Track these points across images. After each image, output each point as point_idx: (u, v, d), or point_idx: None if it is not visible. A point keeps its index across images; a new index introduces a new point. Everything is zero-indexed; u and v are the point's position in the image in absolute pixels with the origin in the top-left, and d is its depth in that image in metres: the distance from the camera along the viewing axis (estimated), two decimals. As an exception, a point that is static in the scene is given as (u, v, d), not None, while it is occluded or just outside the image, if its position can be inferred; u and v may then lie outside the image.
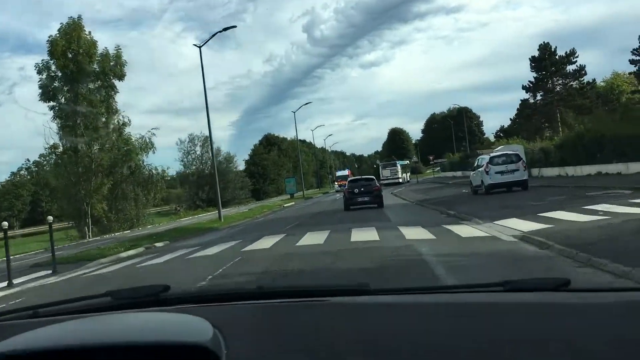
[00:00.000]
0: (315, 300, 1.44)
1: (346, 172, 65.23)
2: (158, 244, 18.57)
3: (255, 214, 32.89)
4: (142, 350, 1.04)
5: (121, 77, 32.17)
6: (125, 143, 32.53)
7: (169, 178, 44.93)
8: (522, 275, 1.33)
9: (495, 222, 11.85)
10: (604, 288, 1.69)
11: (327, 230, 13.14)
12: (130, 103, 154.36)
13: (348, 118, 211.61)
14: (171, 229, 26.11)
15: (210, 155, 39.54)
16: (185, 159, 64.68)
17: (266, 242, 11.96)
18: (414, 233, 11.08)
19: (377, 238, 10.67)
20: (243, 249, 11.21)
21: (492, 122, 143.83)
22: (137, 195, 35.49)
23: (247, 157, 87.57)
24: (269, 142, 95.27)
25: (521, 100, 61.68)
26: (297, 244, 10.90)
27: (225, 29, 29.75)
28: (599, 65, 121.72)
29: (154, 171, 36.47)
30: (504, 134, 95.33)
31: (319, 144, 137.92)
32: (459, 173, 56.28)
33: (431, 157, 70.67)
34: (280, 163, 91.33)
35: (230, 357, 1.03)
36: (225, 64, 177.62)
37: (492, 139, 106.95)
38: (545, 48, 54.25)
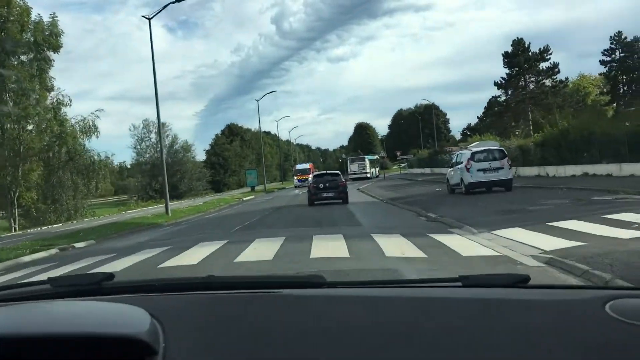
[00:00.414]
0: (265, 292, 1.40)
1: (307, 165, 61.12)
2: (79, 244, 15.31)
3: (209, 208, 29.70)
4: (73, 341, 1.00)
5: (56, 48, 28.24)
6: (60, 125, 28.64)
7: (113, 165, 40.90)
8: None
9: (495, 233, 9.27)
10: (561, 285, 1.85)
11: (281, 238, 10.24)
12: (91, 89, 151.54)
13: (314, 112, 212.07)
14: (107, 224, 22.70)
15: (164, 143, 35.99)
16: (139, 146, 60.39)
17: (197, 254, 8.97)
18: (394, 246, 8.34)
19: (347, 254, 7.86)
20: (161, 265, 8.19)
21: (456, 121, 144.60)
22: (76, 184, 31.63)
23: (208, 147, 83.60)
24: (232, 132, 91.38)
25: (492, 97, 60.23)
26: (236, 260, 7.97)
27: (177, 0, 27.06)
28: (562, 68, 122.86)
29: (96, 157, 32.55)
30: (471, 131, 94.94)
31: (284, 136, 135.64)
32: (427, 170, 54.29)
33: (398, 153, 68.65)
34: (243, 154, 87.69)
35: (170, 350, 1.01)
36: (192, 52, 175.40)
37: (457, 136, 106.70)
38: (518, 44, 52.66)
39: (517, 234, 8.82)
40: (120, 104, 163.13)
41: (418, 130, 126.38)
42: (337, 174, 24.85)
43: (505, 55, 53.64)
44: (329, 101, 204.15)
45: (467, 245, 8.23)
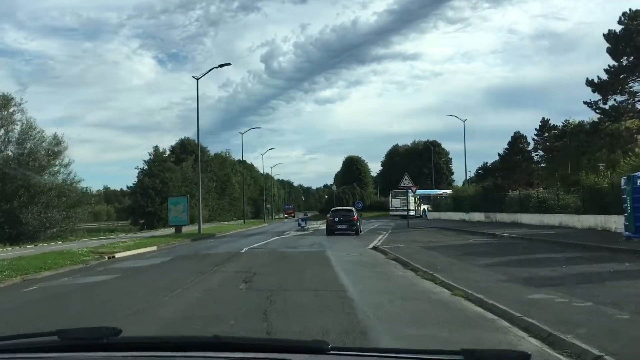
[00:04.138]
0: (271, 357, 1.44)
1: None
2: None
3: None
4: None
5: None
6: None
7: None
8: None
9: None
10: None
11: None
12: (76, 115, 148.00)
13: (299, 151, 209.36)
14: None
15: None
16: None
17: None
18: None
19: None
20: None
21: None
22: None
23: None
24: (185, 150, 69.42)
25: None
26: None
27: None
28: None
29: None
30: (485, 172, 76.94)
31: (267, 171, 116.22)
32: (475, 215, 32.81)
33: (413, 187, 47.15)
34: (196, 180, 65.22)
35: None
36: (180, 85, 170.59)
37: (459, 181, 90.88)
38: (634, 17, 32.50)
39: None
40: (104, 131, 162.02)
41: (416, 168, 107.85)
42: (351, 210, 29.16)
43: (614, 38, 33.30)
44: (314, 142, 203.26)
45: None
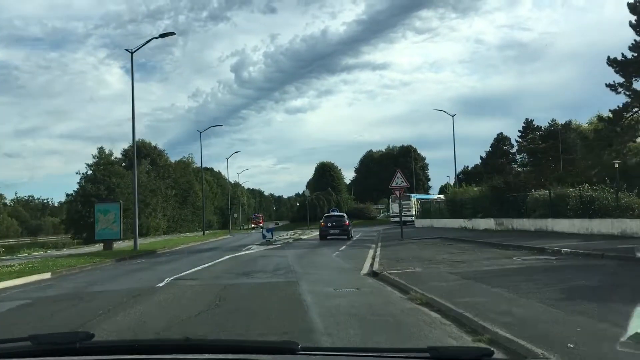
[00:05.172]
0: (240, 358, 1.44)
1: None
2: None
3: None
4: None
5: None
6: None
7: None
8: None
9: None
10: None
11: None
12: (43, 126, 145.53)
13: (270, 161, 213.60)
14: None
15: None
16: None
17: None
18: None
19: None
20: None
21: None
22: None
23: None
24: (138, 153, 61.64)
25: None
26: None
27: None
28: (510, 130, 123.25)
29: None
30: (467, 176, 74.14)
31: (234, 178, 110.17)
32: (481, 222, 26.69)
33: (397, 191, 40.88)
34: (151, 186, 57.75)
35: None
36: (149, 95, 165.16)
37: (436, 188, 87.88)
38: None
39: None
40: (71, 142, 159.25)
41: (391, 174, 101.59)
42: (343, 216, 30.10)
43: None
44: (285, 151, 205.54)
45: None
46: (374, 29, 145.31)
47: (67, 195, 46.19)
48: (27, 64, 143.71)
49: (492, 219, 25.37)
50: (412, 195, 50.34)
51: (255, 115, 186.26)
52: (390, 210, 49.83)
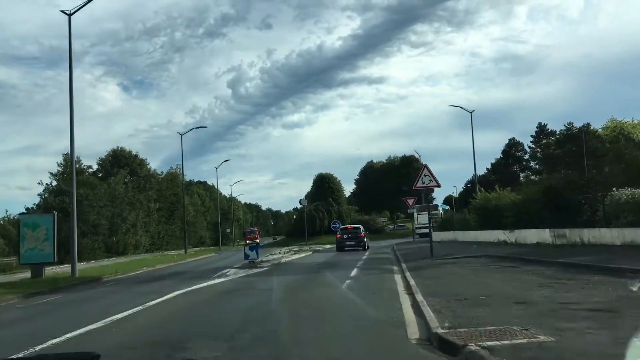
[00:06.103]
0: None
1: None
2: None
3: None
4: None
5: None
6: None
7: None
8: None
9: None
10: None
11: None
12: (41, 144, 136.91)
13: (267, 176, 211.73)
14: None
15: None
16: None
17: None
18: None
19: None
20: None
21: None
22: None
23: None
24: (117, 162, 55.35)
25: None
26: None
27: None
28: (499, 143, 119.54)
29: None
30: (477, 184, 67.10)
31: (228, 193, 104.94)
32: (529, 234, 20.50)
33: (410, 201, 34.87)
34: (129, 199, 51.32)
35: None
36: (146, 112, 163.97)
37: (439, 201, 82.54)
38: None
39: None
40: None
41: (393, 185, 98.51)
42: (359, 227, 31.57)
43: None
44: (283, 166, 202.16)
45: None
46: (370, 43, 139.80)
47: (27, 209, 39.74)
48: (24, 83, 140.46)
49: (547, 230, 19.19)
50: (440, 205, 47.58)
51: (252, 130, 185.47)
52: (416, 221, 44.33)
